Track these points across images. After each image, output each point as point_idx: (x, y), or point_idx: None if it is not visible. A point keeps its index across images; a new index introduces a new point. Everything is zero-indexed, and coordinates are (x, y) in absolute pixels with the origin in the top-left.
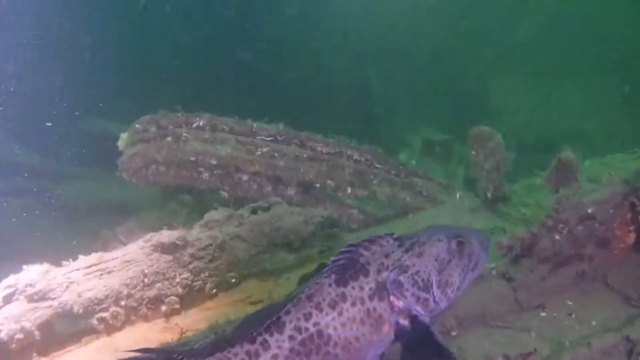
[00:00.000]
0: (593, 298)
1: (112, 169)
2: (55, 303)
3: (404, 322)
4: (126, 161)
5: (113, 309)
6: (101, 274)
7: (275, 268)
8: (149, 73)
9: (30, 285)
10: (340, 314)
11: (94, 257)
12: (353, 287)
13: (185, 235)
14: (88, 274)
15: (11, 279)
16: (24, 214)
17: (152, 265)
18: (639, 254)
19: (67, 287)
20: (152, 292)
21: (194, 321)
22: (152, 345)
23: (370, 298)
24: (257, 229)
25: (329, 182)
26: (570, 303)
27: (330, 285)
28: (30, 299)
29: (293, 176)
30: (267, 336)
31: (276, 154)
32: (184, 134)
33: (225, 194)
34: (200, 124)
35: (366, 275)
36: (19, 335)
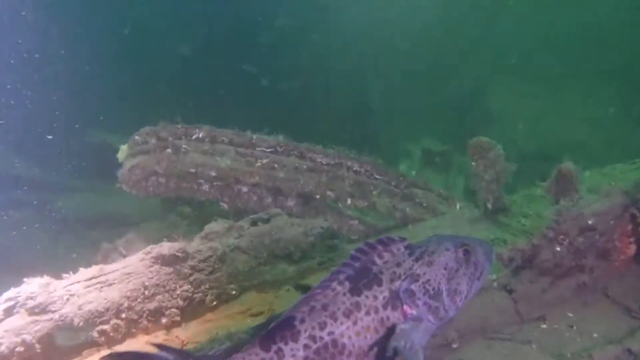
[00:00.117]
0: (594, 310)
1: (112, 180)
2: (56, 316)
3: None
4: (126, 173)
5: (114, 321)
6: (102, 287)
7: (275, 280)
8: (148, 85)
9: (31, 298)
10: (354, 323)
11: (94, 269)
12: (367, 297)
13: (186, 247)
14: (88, 286)
15: (12, 292)
16: (24, 227)
17: (152, 278)
18: None
19: (68, 299)
20: (152, 305)
21: (194, 333)
22: None
23: (384, 307)
24: (257, 241)
25: (328, 193)
26: (571, 315)
27: (344, 294)
28: (31, 311)
29: (293, 187)
30: (282, 345)
31: (276, 166)
32: (184, 146)
33: (225, 206)
34: (200, 135)
35: (379, 284)
36: (20, 349)
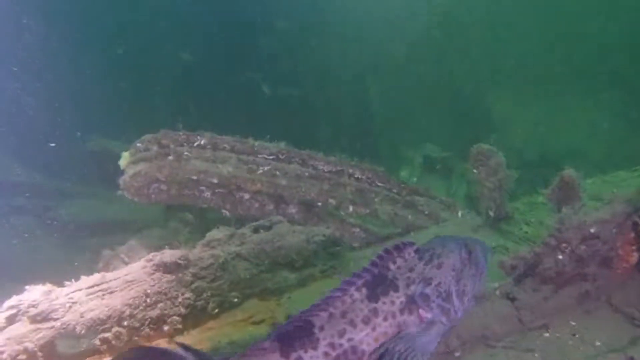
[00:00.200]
0: (597, 318)
1: (114, 187)
2: (58, 324)
3: None
4: (128, 180)
5: (115, 329)
6: (103, 294)
7: (277, 287)
8: (149, 92)
9: (33, 306)
10: (373, 329)
11: (96, 277)
12: (384, 302)
13: (188, 255)
14: (90, 294)
15: (14, 300)
16: (26, 234)
17: (154, 285)
18: None
19: (70, 307)
20: (154, 312)
21: (196, 341)
22: None
23: (401, 312)
24: (259, 248)
25: (330, 200)
26: (573, 323)
27: (362, 301)
28: (33, 319)
29: (295, 195)
30: (301, 352)
31: (278, 173)
32: (186, 153)
33: (226, 213)
34: (202, 142)
35: (396, 290)
36: (22, 356)
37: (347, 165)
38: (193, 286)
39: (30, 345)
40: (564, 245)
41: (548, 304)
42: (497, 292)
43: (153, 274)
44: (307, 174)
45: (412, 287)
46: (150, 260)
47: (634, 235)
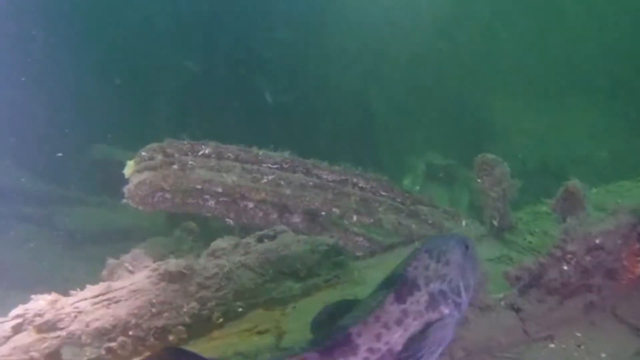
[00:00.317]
0: (602, 329)
1: (118, 195)
2: (63, 333)
3: None
4: (133, 189)
5: (121, 338)
6: (109, 304)
7: (281, 297)
8: (154, 100)
9: (39, 315)
10: (405, 330)
11: (101, 286)
12: (411, 303)
13: (192, 264)
14: (96, 303)
15: (20, 309)
16: (31, 243)
17: (159, 295)
18: None
19: (76, 317)
20: (159, 322)
21: (201, 351)
22: None
23: (427, 310)
24: (264, 258)
25: (334, 209)
26: (579, 334)
27: (391, 304)
28: (39, 329)
29: (299, 204)
30: None
31: (282, 182)
32: (190, 162)
33: (230, 222)
34: (206, 151)
35: (419, 289)
36: None
37: (352, 174)
38: (198, 296)
39: (36, 355)
40: (569, 256)
41: (553, 315)
42: (502, 303)
43: (158, 283)
44: (311, 183)
45: (431, 285)
46: (155, 269)
47: (639, 246)
